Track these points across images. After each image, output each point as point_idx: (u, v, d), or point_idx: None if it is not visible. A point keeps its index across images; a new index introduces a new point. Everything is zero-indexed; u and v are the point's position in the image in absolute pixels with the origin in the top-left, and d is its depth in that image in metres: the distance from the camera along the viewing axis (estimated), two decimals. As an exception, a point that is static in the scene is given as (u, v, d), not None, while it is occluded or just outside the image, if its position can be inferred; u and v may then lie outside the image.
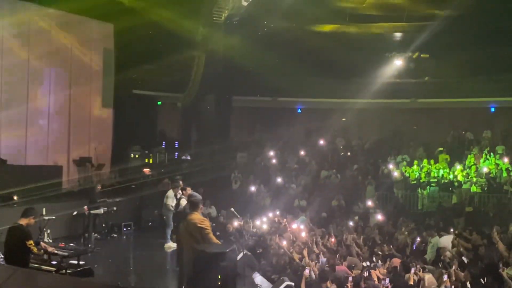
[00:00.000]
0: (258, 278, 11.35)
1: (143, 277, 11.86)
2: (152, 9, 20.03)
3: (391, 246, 12.57)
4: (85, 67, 21.00)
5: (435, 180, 18.67)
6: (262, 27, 22.24)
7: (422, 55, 23.06)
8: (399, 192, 19.07)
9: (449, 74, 22.65)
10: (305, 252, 11.45)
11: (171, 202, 14.01)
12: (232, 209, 11.73)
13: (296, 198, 19.50)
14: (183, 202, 11.45)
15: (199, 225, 8.04)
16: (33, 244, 8.05)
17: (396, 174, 19.41)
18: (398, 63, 23.24)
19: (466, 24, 20.57)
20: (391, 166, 20.06)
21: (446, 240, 12.06)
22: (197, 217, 8.22)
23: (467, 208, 16.36)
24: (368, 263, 10.96)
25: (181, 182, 13.67)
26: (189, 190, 11.71)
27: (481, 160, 19.18)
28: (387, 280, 8.75)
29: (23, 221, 8.12)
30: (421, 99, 24.14)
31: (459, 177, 18.27)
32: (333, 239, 13.12)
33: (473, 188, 17.39)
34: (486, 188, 17.39)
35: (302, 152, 23.29)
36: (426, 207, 17.94)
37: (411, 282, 8.53)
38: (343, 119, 25.36)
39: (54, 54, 19.69)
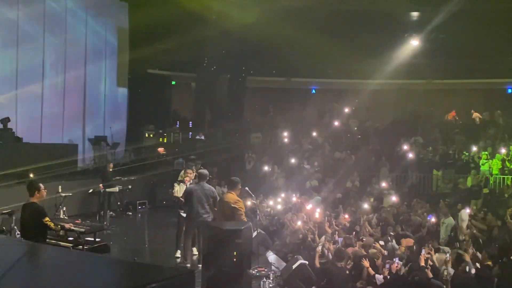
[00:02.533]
0: (271, 257, 11.41)
1: (158, 254, 11.96)
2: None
3: (403, 227, 12.56)
4: (100, 46, 21.02)
5: (451, 161, 18.54)
6: (276, 5, 22.02)
7: (438, 36, 22.76)
8: (413, 174, 18.99)
9: (466, 55, 22.39)
10: (317, 231, 11.50)
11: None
12: (247, 188, 11.74)
13: (309, 178, 19.48)
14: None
15: (233, 205, 8.20)
16: (50, 220, 8.03)
17: (410, 155, 19.31)
18: (414, 43, 22.95)
19: (483, 4, 20.29)
20: (405, 147, 19.94)
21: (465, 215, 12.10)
22: (232, 197, 8.39)
23: (483, 189, 16.26)
24: (382, 242, 10.98)
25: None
26: (189, 172, 11.77)
27: (497, 142, 19.01)
28: (397, 259, 8.79)
29: (34, 199, 8.03)
30: (437, 80, 23.90)
31: (475, 159, 18.13)
32: (347, 219, 13.12)
33: (493, 170, 17.29)
34: (503, 170, 17.26)
35: (315, 133, 23.20)
36: (441, 189, 17.85)
37: (423, 263, 8.54)
38: (356, 100, 25.22)
39: (70, 32, 19.72)
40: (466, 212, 12.33)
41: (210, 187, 10.29)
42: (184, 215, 10.81)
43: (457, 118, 22.10)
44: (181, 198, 10.98)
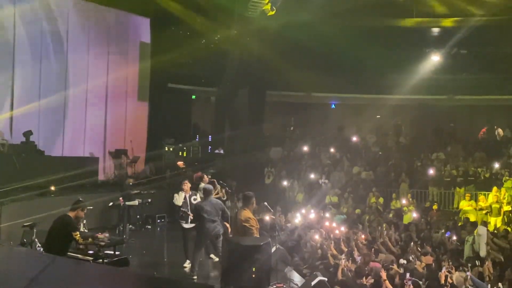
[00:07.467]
0: (290, 273, 11.34)
1: (177, 268, 11.94)
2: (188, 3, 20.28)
3: (424, 244, 12.43)
4: (122, 60, 21.24)
5: (472, 178, 18.33)
6: (296, 21, 22.07)
7: (460, 51, 22.66)
8: (434, 190, 18.79)
9: (487, 71, 22.21)
10: (333, 245, 11.48)
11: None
12: (265, 203, 11.68)
13: (328, 194, 19.40)
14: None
15: (243, 223, 8.18)
16: (79, 235, 8.20)
17: (431, 171, 19.13)
18: (435, 59, 22.86)
19: (504, 20, 20.18)
20: (426, 163, 19.78)
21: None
22: (244, 214, 8.38)
23: (505, 207, 16.03)
24: (400, 260, 10.88)
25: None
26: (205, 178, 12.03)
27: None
28: (407, 275, 8.77)
29: (72, 213, 8.34)
30: (459, 95, 23.70)
31: (498, 176, 17.90)
32: (367, 236, 13.03)
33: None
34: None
35: (335, 148, 23.13)
36: (462, 206, 17.63)
37: (442, 281, 8.45)
38: (378, 116, 25.11)
39: (92, 47, 19.96)
40: (483, 229, 12.15)
41: (217, 201, 10.51)
42: (186, 226, 11.23)
43: (482, 134, 21.88)
44: (189, 213, 11.19)
